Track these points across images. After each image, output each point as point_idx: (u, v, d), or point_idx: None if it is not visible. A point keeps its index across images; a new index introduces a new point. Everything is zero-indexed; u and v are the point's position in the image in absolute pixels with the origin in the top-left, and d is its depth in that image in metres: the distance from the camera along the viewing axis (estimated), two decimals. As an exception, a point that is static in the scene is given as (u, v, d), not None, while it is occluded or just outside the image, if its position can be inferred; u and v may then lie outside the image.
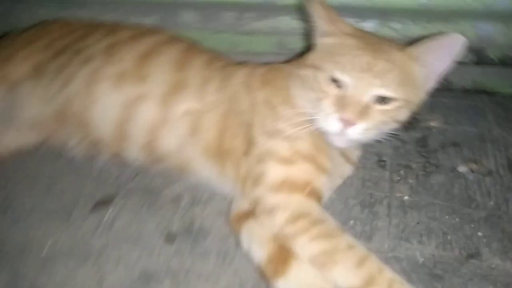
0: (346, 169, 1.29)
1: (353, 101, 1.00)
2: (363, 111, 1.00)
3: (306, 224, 1.04)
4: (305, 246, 1.01)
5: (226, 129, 1.20)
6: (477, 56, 1.52)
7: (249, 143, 1.15)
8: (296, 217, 1.04)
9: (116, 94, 1.24)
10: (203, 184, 1.29)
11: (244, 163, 1.16)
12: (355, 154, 1.29)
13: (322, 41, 1.11)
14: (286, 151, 1.10)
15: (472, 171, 1.34)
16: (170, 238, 1.18)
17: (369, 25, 1.50)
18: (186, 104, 1.23)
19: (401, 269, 1.09)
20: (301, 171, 1.10)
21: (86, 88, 1.25)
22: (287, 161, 1.10)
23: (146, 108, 1.23)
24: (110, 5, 1.63)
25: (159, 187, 1.32)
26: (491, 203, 1.25)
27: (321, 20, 1.09)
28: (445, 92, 1.59)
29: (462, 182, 1.31)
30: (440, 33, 1.01)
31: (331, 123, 1.01)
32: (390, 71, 1.00)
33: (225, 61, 1.32)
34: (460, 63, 1.49)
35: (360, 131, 1.01)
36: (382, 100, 1.01)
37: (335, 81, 1.03)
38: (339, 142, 1.06)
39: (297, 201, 1.07)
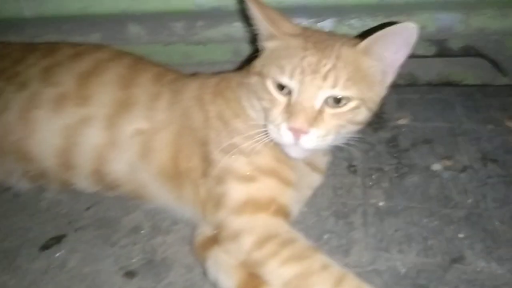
0: (315, 179, 1.20)
1: (302, 107, 0.91)
2: (315, 117, 0.91)
3: (274, 246, 0.94)
4: (276, 272, 0.92)
5: (180, 149, 1.10)
6: (439, 47, 1.47)
7: (206, 163, 1.06)
8: (263, 240, 0.95)
9: (56, 119, 1.13)
10: (163, 210, 1.19)
11: (203, 185, 1.06)
12: (323, 161, 1.20)
13: (266, 45, 1.02)
14: (245, 168, 1.02)
15: (447, 168, 1.28)
16: (130, 274, 1.06)
17: (326, 24, 1.43)
18: (134, 124, 1.13)
19: (383, 283, 1.01)
20: (263, 187, 1.01)
21: (22, 116, 1.14)
22: (247, 178, 1.01)
23: (90, 132, 1.13)
24: (50, 25, 1.51)
25: (116, 217, 1.20)
26: (469, 200, 1.18)
27: (261, 22, 0.99)
28: (410, 88, 1.53)
29: (438, 181, 1.24)
30: (390, 23, 0.92)
31: (282, 133, 0.93)
32: (340, 69, 0.92)
33: (175, 74, 1.23)
34: (423, 57, 1.44)
35: (314, 139, 0.92)
36: (336, 102, 0.93)
37: (282, 87, 0.94)
38: (295, 153, 0.98)
39: (263, 222, 0.98)
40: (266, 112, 0.97)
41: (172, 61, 1.53)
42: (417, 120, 1.44)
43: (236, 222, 0.98)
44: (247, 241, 0.96)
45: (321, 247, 1.09)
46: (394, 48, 0.93)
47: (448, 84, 1.59)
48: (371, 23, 1.43)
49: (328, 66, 0.92)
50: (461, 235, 1.10)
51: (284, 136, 0.93)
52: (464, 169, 1.27)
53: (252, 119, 1.03)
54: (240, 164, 1.02)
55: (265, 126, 0.97)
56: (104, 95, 1.16)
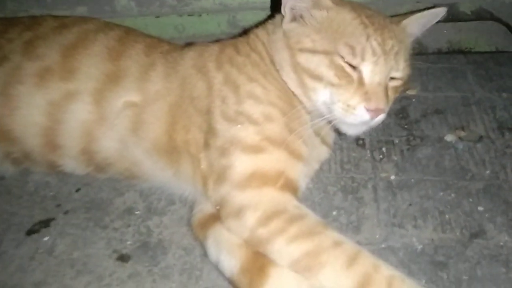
0: (323, 152, 1.11)
1: (378, 87, 0.93)
2: (386, 95, 0.94)
3: (281, 223, 0.86)
4: (283, 250, 0.84)
5: (177, 121, 1.01)
6: (449, 12, 1.37)
7: (209, 133, 0.97)
8: (269, 216, 0.87)
9: (40, 94, 1.04)
10: (158, 190, 1.11)
11: (204, 158, 0.97)
12: (331, 134, 1.12)
13: (311, 14, 0.96)
14: (254, 137, 0.93)
15: (461, 139, 1.19)
16: (123, 257, 0.98)
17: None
18: (125, 97, 1.04)
19: (398, 261, 0.93)
20: (272, 159, 0.92)
21: (2, 92, 1.05)
22: (255, 149, 0.92)
23: (77, 107, 1.04)
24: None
25: (107, 199, 1.12)
26: (487, 172, 1.10)
27: None
28: (420, 57, 1.44)
29: (452, 153, 1.16)
30: (429, 8, 1.03)
31: (358, 113, 0.92)
32: (399, 50, 0.96)
33: (169, 45, 1.14)
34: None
35: (385, 116, 0.95)
36: (392, 77, 0.97)
37: (350, 65, 0.93)
38: (357, 131, 1.00)
39: (269, 196, 0.90)
40: (332, 90, 0.94)
41: (164, 34, 1.45)
42: (427, 91, 1.35)
43: (241, 197, 0.90)
44: (251, 217, 0.87)
45: (330, 224, 1.01)
46: (423, 28, 1.05)
47: (459, 51, 1.50)
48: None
49: (394, 48, 0.95)
50: (480, 208, 1.02)
51: (361, 116, 0.92)
52: (480, 139, 1.19)
53: (285, 91, 1.00)
54: (248, 133, 0.93)
55: (316, 105, 0.98)
56: (91, 68, 1.06)
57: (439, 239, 0.97)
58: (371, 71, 0.93)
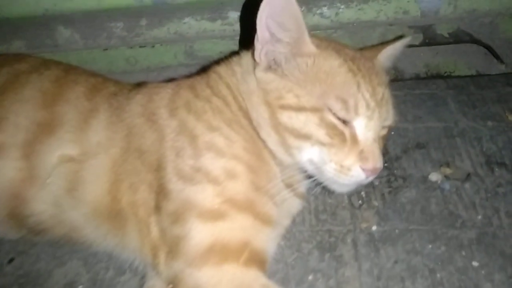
0: (295, 205, 0.97)
1: (373, 146, 0.82)
2: (381, 151, 0.85)
3: None
4: None
5: (122, 179, 0.86)
6: (425, 35, 1.26)
7: (160, 194, 0.82)
8: None
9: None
10: (105, 256, 0.95)
11: (155, 224, 0.83)
12: (304, 184, 0.97)
13: (291, 63, 0.84)
14: (213, 200, 0.78)
15: (447, 177, 1.07)
16: None
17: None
18: (59, 150, 0.89)
19: (386, 337, 0.79)
20: (235, 228, 0.78)
21: None
22: (214, 214, 0.78)
23: (3, 164, 0.88)
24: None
25: (45, 271, 0.95)
26: (479, 217, 0.98)
27: (294, 28, 0.82)
28: (397, 84, 1.32)
29: (439, 195, 1.04)
30: (399, 38, 0.99)
31: (354, 174, 0.82)
32: (387, 96, 0.86)
33: (116, 86, 0.99)
34: (408, 46, 1.23)
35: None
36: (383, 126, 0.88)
37: (341, 122, 0.81)
38: (348, 189, 0.88)
39: (231, 275, 0.76)
40: (322, 150, 0.82)
41: (115, 68, 1.30)
42: (406, 121, 1.23)
43: (197, 276, 0.75)
44: None
45: (305, 292, 0.87)
46: (395, 59, 0.99)
47: (438, 76, 1.38)
48: (345, 10, 1.22)
49: (385, 96, 0.85)
50: (475, 264, 0.90)
51: (357, 176, 0.82)
52: (468, 177, 1.07)
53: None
54: (206, 195, 0.79)
55: (298, 163, 0.86)
56: (21, 116, 0.91)
57: (431, 305, 0.84)
58: (365, 126, 0.82)
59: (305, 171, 0.88)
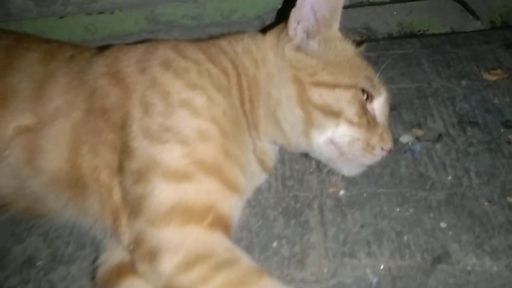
0: (260, 178, 0.96)
1: (387, 127, 0.92)
2: None
3: (206, 270, 0.69)
4: None
5: (82, 142, 0.81)
6: (398, -9, 1.22)
7: (123, 154, 0.78)
8: (192, 262, 0.70)
9: None
10: (66, 230, 0.92)
11: (118, 186, 0.79)
12: (273, 160, 0.97)
13: (329, 43, 0.90)
14: (179, 160, 0.75)
15: (418, 139, 1.04)
16: (17, 328, 0.80)
17: None
18: (14, 121, 0.83)
19: (350, 302, 0.78)
20: (201, 190, 0.75)
21: None
22: (180, 175, 0.74)
23: None
24: None
25: (4, 248, 0.92)
26: (449, 178, 0.96)
27: (329, 11, 0.89)
28: (369, 44, 1.26)
29: (409, 157, 1.01)
30: None
31: (376, 154, 0.88)
32: None
33: (74, 50, 0.93)
34: (380, 4, 1.18)
35: None
36: None
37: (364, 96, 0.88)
38: (357, 171, 0.94)
39: (194, 236, 0.72)
40: (351, 128, 0.86)
41: (74, 37, 1.24)
42: (378, 83, 1.19)
43: (158, 236, 0.72)
44: (170, 262, 0.70)
45: (270, 259, 0.85)
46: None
47: (412, 35, 1.34)
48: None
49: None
50: (443, 224, 0.87)
51: (378, 156, 0.89)
52: (439, 138, 1.04)
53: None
54: (173, 154, 0.75)
55: (310, 143, 0.89)
56: None
57: (397, 267, 0.82)
58: (382, 106, 0.91)
59: (305, 154, 0.97)
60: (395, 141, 1.04)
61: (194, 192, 0.74)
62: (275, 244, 0.88)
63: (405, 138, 1.04)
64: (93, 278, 0.83)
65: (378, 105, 0.90)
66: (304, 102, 0.86)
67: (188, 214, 0.73)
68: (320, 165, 1.01)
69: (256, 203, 0.95)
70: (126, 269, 0.77)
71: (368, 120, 0.87)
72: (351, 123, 0.86)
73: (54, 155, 0.83)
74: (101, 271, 0.80)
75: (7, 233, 0.95)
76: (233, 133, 0.82)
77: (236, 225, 0.83)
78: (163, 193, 0.73)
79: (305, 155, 1.03)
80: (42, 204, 0.86)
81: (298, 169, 1.02)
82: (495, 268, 0.80)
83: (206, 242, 0.72)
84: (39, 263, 0.89)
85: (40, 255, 0.91)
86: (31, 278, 0.87)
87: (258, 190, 0.96)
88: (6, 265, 0.89)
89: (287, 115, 0.88)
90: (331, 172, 1.00)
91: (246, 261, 0.72)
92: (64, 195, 0.84)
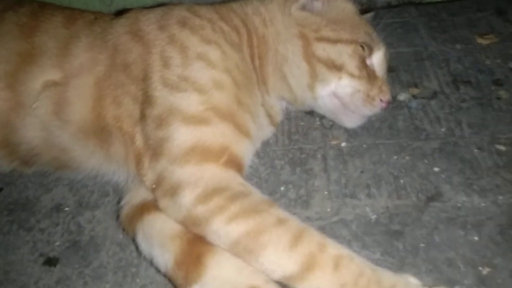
0: (268, 131, 1.05)
1: (385, 81, 1.00)
2: None
3: (222, 201, 0.77)
4: (222, 230, 0.75)
5: (105, 94, 0.90)
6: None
7: (145, 103, 0.86)
8: (209, 194, 0.77)
9: None
10: (90, 180, 1.01)
11: (140, 132, 0.87)
12: (280, 116, 1.06)
13: (331, 3, 0.99)
14: (197, 107, 0.83)
15: (415, 96, 1.12)
16: (51, 261, 0.88)
17: None
18: (42, 77, 0.91)
19: (352, 235, 0.85)
20: (216, 133, 0.82)
21: None
22: (197, 120, 0.82)
23: None
24: None
25: (33, 197, 1.01)
26: (443, 129, 1.03)
27: None
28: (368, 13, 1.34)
29: (406, 112, 1.08)
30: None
31: (376, 105, 0.97)
32: None
33: (95, 14, 1.01)
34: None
35: None
36: None
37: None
38: (357, 123, 1.03)
39: (211, 173, 0.80)
40: (352, 81, 0.95)
41: (89, 9, 1.31)
42: (378, 48, 1.26)
43: (179, 173, 0.79)
44: (190, 194, 0.78)
45: (278, 200, 0.93)
46: None
47: (410, 3, 1.41)
48: None
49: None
50: (436, 169, 0.95)
51: (378, 107, 0.98)
52: (434, 95, 1.11)
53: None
54: (190, 101, 0.83)
55: (315, 96, 0.98)
56: (1, 49, 0.93)
57: (394, 206, 0.90)
58: (381, 61, 0.98)
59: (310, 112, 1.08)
60: (393, 99, 1.11)
61: (211, 135, 0.82)
62: (282, 188, 0.96)
63: (402, 96, 1.12)
64: (117, 219, 0.91)
65: (377, 60, 0.98)
66: (309, 56, 0.94)
67: (205, 153, 0.81)
68: (323, 122, 1.09)
69: (264, 155, 1.03)
70: (148, 206, 0.84)
71: (368, 73, 0.95)
72: (352, 75, 0.94)
73: (79, 106, 0.91)
74: (125, 210, 0.88)
75: (36, 185, 1.03)
76: (245, 85, 0.90)
77: (247, 172, 0.92)
78: (183, 135, 0.81)
79: (310, 113, 1.11)
80: (69, 153, 0.94)
81: (303, 125, 1.10)
82: (483, 204, 0.87)
83: (222, 178, 0.80)
84: (66, 209, 0.98)
85: (67, 202, 0.99)
86: (60, 221, 0.95)
87: (267, 143, 1.05)
88: (37, 211, 0.98)
89: (293, 69, 0.96)
90: (333, 127, 1.08)
91: (258, 194, 0.80)
92: (90, 143, 0.92)
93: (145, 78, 0.87)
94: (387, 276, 0.71)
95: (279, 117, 1.04)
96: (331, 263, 0.70)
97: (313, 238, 0.73)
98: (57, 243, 0.91)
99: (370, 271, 0.71)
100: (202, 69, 0.85)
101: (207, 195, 0.77)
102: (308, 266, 0.70)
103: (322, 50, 0.94)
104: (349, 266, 0.71)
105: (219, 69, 0.86)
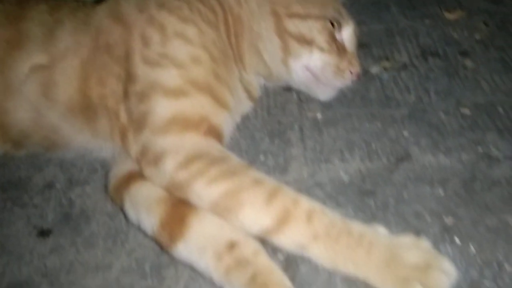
0: (246, 106, 1.10)
1: (354, 54, 1.05)
2: None
3: (202, 165, 0.82)
4: (203, 192, 0.80)
5: (90, 75, 0.95)
6: None
7: (128, 81, 0.92)
8: (190, 159, 0.83)
9: None
10: (79, 159, 1.05)
11: (124, 110, 0.92)
12: (258, 91, 1.11)
13: None
14: (176, 80, 0.88)
15: (386, 69, 1.18)
16: (44, 233, 0.93)
17: None
18: (29, 61, 0.97)
19: (326, 195, 0.91)
20: (195, 104, 0.88)
21: None
22: (177, 92, 0.88)
23: None
24: None
25: (26, 177, 1.05)
26: (412, 97, 1.10)
27: None
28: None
29: (377, 84, 1.15)
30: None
31: (346, 77, 1.02)
32: None
33: (76, 4, 1.07)
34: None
35: None
36: None
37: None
38: (330, 96, 1.07)
39: (192, 141, 0.86)
40: (321, 55, 1.00)
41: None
42: (351, 26, 1.32)
43: (161, 142, 0.85)
44: (172, 161, 0.83)
45: (258, 168, 0.97)
46: None
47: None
48: None
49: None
50: (405, 133, 1.01)
51: (348, 79, 1.03)
52: (404, 67, 1.18)
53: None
54: (170, 76, 0.89)
55: (289, 71, 1.03)
56: None
57: (366, 169, 0.96)
58: (350, 35, 1.03)
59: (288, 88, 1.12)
60: (365, 72, 1.18)
61: (190, 106, 0.88)
62: (262, 157, 1.01)
63: (374, 69, 1.18)
64: (106, 192, 0.97)
65: (346, 35, 1.03)
66: (281, 32, 1.00)
67: (186, 123, 0.86)
68: (300, 96, 1.15)
69: (244, 128, 1.08)
70: (134, 176, 0.89)
71: (337, 47, 1.01)
72: (322, 49, 1.00)
73: (66, 87, 0.96)
74: (112, 182, 0.93)
75: (28, 165, 1.08)
76: (222, 60, 0.95)
77: (228, 145, 0.97)
78: (164, 107, 0.87)
79: (288, 89, 1.17)
80: (58, 132, 0.99)
81: (281, 100, 1.15)
82: (448, 162, 0.94)
83: (202, 145, 0.86)
84: (58, 186, 1.02)
85: (58, 180, 1.04)
86: (52, 197, 1.00)
87: (247, 118, 1.10)
88: (29, 189, 1.02)
89: (267, 45, 1.01)
90: (309, 100, 1.13)
91: (236, 158, 0.86)
92: (77, 121, 0.97)
93: (127, 58, 0.92)
94: (357, 226, 0.77)
95: (257, 93, 1.10)
96: (304, 216, 0.76)
97: (288, 195, 0.79)
98: (50, 217, 0.96)
99: (340, 222, 0.77)
100: (180, 46, 0.91)
101: (188, 161, 0.83)
102: (283, 220, 0.76)
103: (293, 25, 0.99)
104: (321, 218, 0.76)
105: (196, 46, 0.92)
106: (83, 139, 0.99)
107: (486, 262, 0.77)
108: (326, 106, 1.11)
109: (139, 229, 0.87)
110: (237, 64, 1.03)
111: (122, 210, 0.90)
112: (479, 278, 0.75)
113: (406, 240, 0.76)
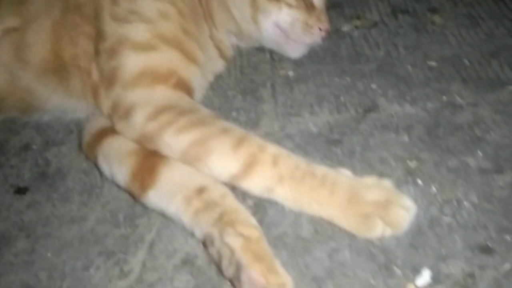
0: (219, 65, 1.11)
1: (324, 11, 1.06)
2: None
3: (171, 116, 0.84)
4: (172, 141, 0.82)
5: (62, 36, 0.96)
6: None
7: (98, 40, 0.93)
8: (159, 111, 0.84)
9: None
10: (55, 121, 1.07)
11: (95, 67, 0.94)
12: (230, 50, 1.12)
13: None
14: (145, 35, 0.90)
15: (357, 27, 1.20)
16: (21, 190, 0.95)
17: None
18: (2, 24, 0.97)
19: (295, 145, 0.93)
20: (164, 58, 0.90)
21: None
22: (145, 47, 0.89)
23: None
24: None
25: (2, 140, 1.07)
26: (381, 53, 1.12)
27: None
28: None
29: (348, 41, 1.17)
30: None
31: (315, 33, 1.04)
32: None
33: None
34: None
35: None
36: None
37: None
38: (300, 53, 1.10)
39: (161, 93, 0.87)
40: (290, 11, 1.02)
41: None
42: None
43: (131, 96, 0.87)
44: (142, 113, 0.85)
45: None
46: None
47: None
48: None
49: None
50: (374, 86, 1.04)
51: (317, 36, 1.04)
52: (374, 24, 1.20)
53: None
54: (138, 31, 0.90)
55: (259, 28, 1.05)
56: None
57: (334, 120, 0.98)
58: None
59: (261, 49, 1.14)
60: (337, 30, 1.20)
61: (158, 59, 0.89)
62: (234, 113, 1.03)
63: (345, 27, 1.20)
64: (81, 150, 0.99)
65: None
66: None
67: (154, 76, 0.88)
68: (273, 56, 1.17)
69: (217, 87, 1.10)
70: (106, 131, 0.91)
71: (305, 4, 1.02)
72: (290, 5, 1.01)
73: (38, 48, 0.97)
74: (86, 139, 0.95)
75: (5, 129, 1.09)
76: (191, 16, 0.97)
77: (201, 103, 0.99)
78: (133, 62, 0.88)
79: (260, 49, 1.18)
80: (33, 93, 1.01)
81: (254, 60, 1.17)
82: (413, 111, 0.96)
83: (171, 97, 0.88)
84: (34, 147, 1.04)
85: (34, 141, 1.05)
86: (28, 158, 1.02)
87: (220, 77, 1.12)
88: (6, 151, 1.04)
89: (236, 2, 1.02)
90: (282, 59, 1.15)
91: (205, 109, 0.88)
92: (50, 81, 0.98)
93: (97, 16, 0.93)
94: (321, 169, 0.79)
95: (229, 51, 1.11)
96: (270, 160, 0.78)
97: (254, 141, 0.81)
98: (26, 176, 0.98)
99: (305, 165, 0.79)
100: (148, 2, 0.92)
101: (157, 113, 0.84)
102: (250, 164, 0.78)
103: None
104: (286, 162, 0.79)
105: (164, 1, 0.93)
106: (57, 100, 1.01)
107: (446, 200, 0.80)
108: (298, 64, 1.13)
109: (113, 183, 0.90)
110: (207, 22, 1.04)
111: (96, 165, 0.92)
112: (439, 215, 0.78)
113: (369, 181, 0.79)
